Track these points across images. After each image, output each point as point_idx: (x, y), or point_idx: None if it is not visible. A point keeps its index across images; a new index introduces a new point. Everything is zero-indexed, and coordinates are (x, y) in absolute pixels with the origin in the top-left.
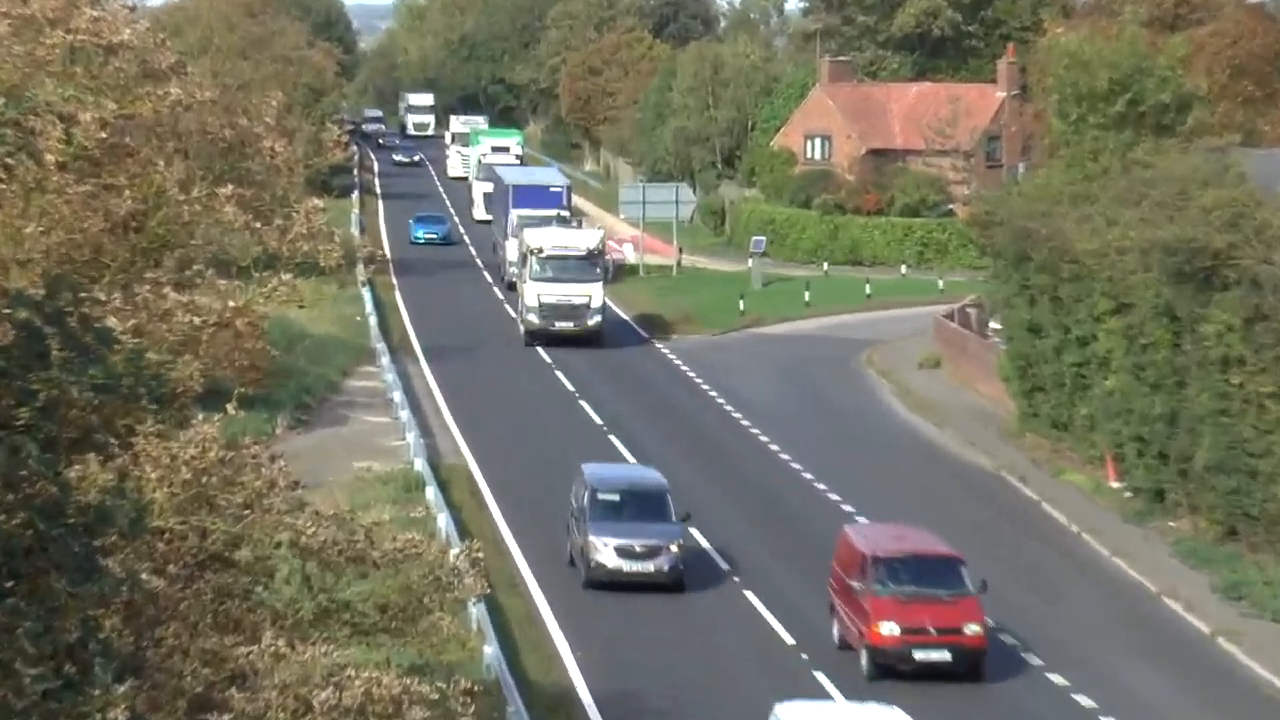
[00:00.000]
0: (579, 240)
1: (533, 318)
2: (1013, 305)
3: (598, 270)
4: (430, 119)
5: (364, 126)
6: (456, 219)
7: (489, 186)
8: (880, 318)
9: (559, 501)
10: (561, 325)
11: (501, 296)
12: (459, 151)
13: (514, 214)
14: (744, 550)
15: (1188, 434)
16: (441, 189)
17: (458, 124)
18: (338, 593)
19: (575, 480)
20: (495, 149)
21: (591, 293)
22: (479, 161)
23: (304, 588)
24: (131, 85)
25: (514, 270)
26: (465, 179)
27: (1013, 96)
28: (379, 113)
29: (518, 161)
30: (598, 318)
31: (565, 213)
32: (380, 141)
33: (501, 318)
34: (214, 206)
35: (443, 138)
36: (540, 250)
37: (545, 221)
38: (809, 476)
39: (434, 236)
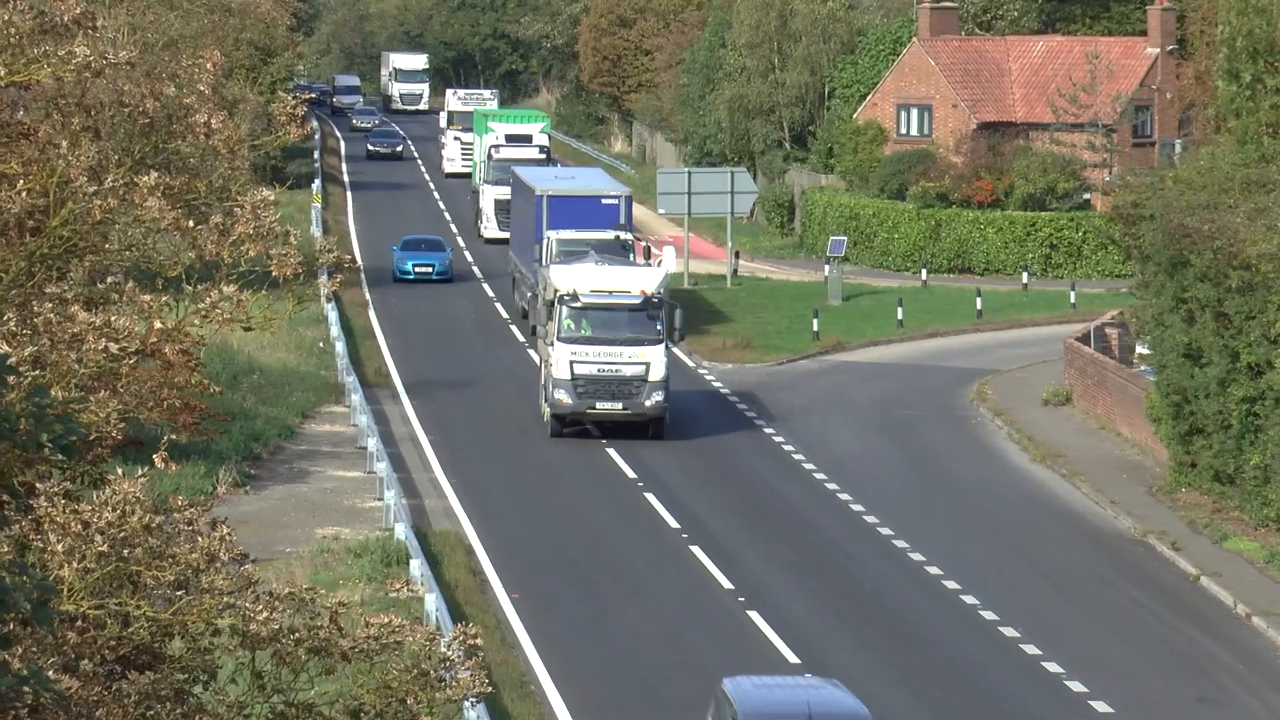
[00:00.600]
0: (631, 281)
1: (563, 395)
2: (1166, 324)
3: (658, 326)
4: (423, 88)
5: (336, 99)
6: (460, 238)
7: (503, 192)
8: (995, 341)
9: (580, 579)
10: (605, 407)
11: (497, 304)
12: (457, 138)
13: (550, 237)
14: (822, 642)
15: None
16: (435, 190)
17: (455, 100)
18: (297, 693)
19: (713, 706)
20: (511, 139)
21: (650, 358)
22: (489, 156)
23: (254, 687)
24: (24, 44)
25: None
26: (467, 178)
27: (1168, 53)
28: (355, 79)
29: (543, 158)
30: (658, 396)
31: (626, 235)
32: (355, 123)
33: (501, 337)
34: (134, 200)
35: (436, 116)
36: (573, 297)
37: (583, 253)
38: (919, 560)
39: (429, 270)
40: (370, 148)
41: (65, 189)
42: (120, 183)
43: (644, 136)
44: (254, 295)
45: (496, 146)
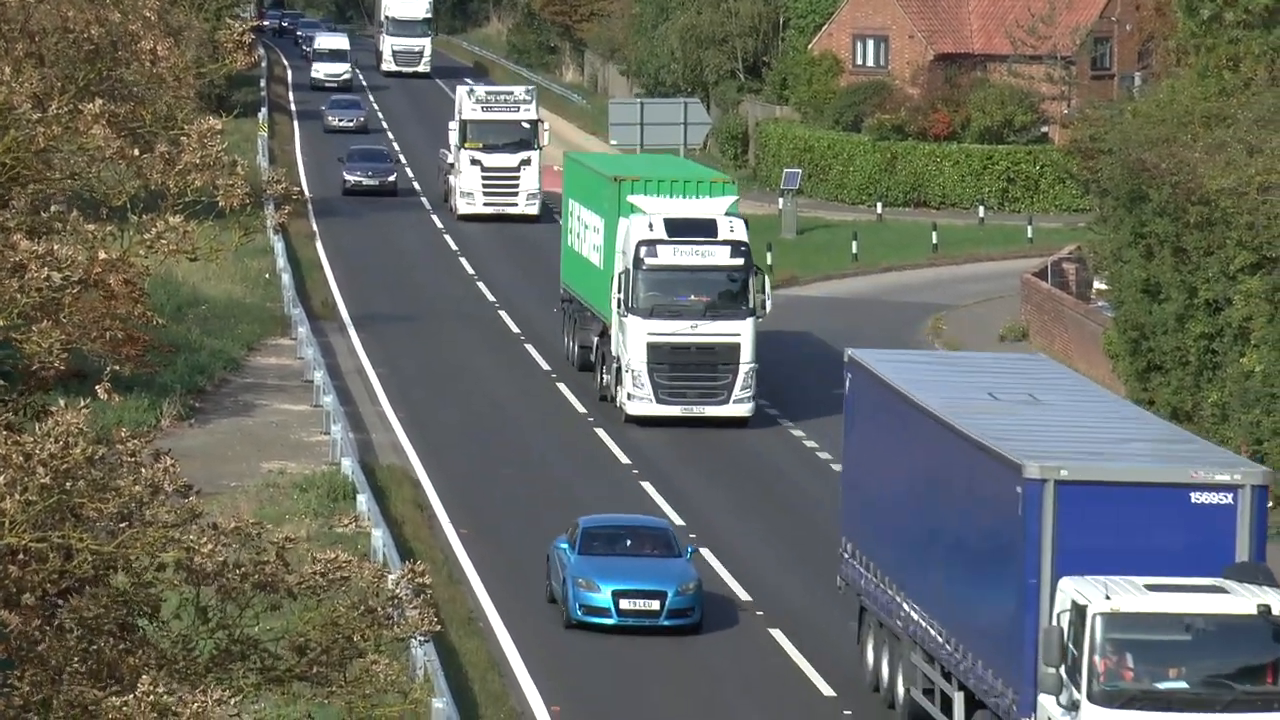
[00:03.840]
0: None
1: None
2: (1124, 260)
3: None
4: (424, 44)
5: (314, 72)
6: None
7: (666, 333)
8: (951, 275)
9: (528, 515)
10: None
11: (446, 235)
12: (477, 161)
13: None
14: (774, 582)
15: None
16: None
17: (471, 103)
18: (242, 629)
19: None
20: (680, 231)
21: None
22: (640, 261)
23: (198, 622)
24: None
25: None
26: (487, 221)
27: None
28: (342, 39)
29: (742, 272)
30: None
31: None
32: (331, 120)
33: (452, 268)
34: (78, 128)
35: (439, 83)
36: (652, 248)
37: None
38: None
39: None
40: (348, 178)
41: (8, 116)
42: (64, 110)
43: (596, 66)
44: (200, 225)
45: (651, 245)
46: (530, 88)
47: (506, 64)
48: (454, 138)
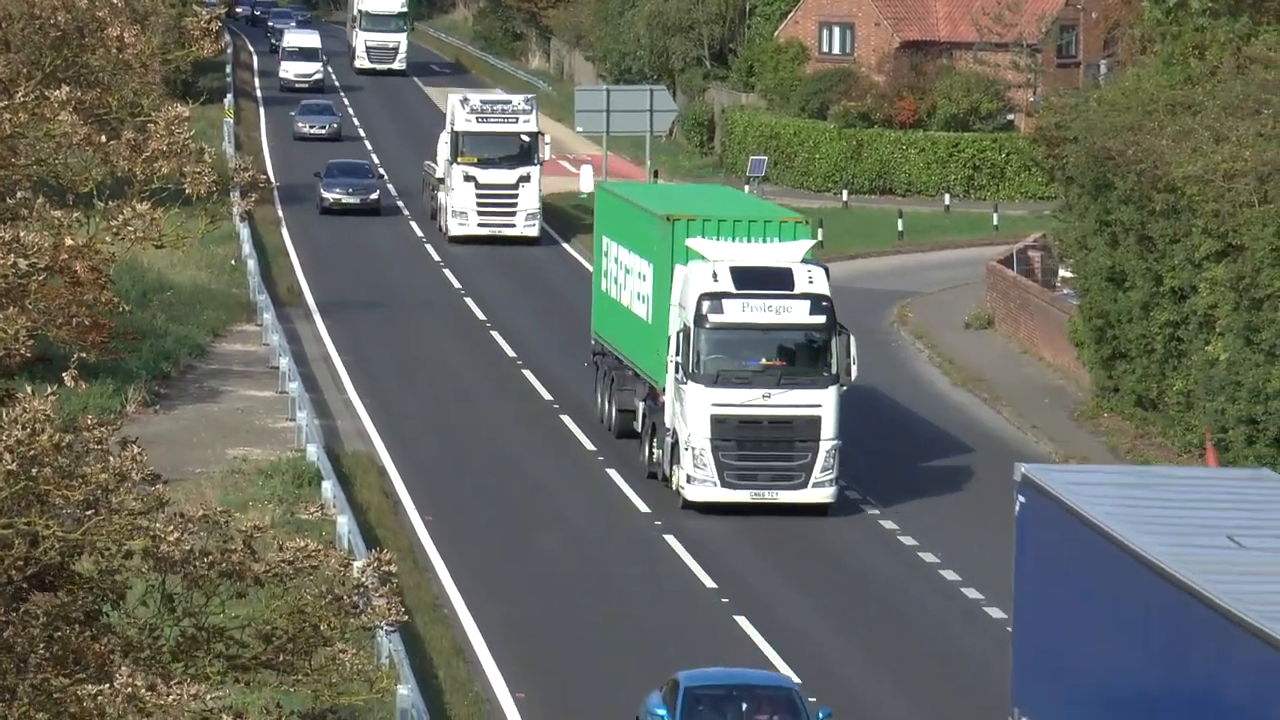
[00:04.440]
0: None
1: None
2: (1089, 247)
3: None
4: (399, 39)
5: (283, 72)
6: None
7: (728, 403)
8: (916, 263)
9: (494, 502)
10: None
11: (421, 234)
12: (471, 178)
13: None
14: (741, 568)
15: None
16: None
17: (464, 113)
18: (208, 617)
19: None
20: (748, 279)
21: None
22: (701, 317)
23: (164, 610)
24: None
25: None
26: (478, 244)
27: None
28: (313, 36)
29: (824, 330)
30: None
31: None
32: (301, 127)
33: (417, 257)
34: (44, 114)
35: (417, 82)
36: (717, 303)
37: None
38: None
39: None
40: (326, 195)
41: None
42: (31, 96)
43: (562, 53)
44: (166, 212)
45: (716, 299)
46: (530, 96)
47: (473, 51)
48: (444, 151)
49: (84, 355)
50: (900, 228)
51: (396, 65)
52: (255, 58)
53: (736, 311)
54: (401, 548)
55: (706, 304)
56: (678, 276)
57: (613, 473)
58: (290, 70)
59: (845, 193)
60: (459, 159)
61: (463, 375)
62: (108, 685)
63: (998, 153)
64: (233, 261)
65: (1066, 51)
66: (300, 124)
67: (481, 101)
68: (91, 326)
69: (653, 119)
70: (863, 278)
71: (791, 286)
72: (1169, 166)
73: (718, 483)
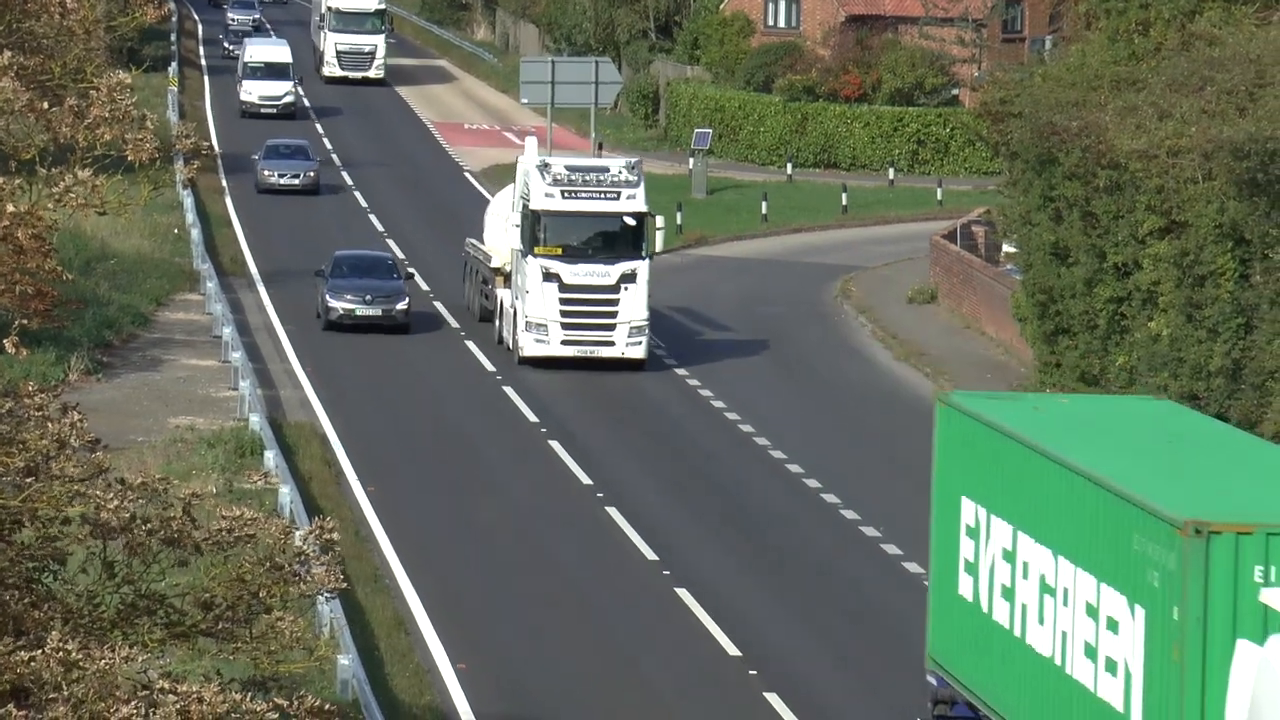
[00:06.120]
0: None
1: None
2: (1032, 223)
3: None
4: (375, 42)
5: (244, 94)
6: None
7: None
8: (860, 237)
9: (436, 471)
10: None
11: (378, 225)
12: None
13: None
14: (679, 539)
15: (1255, 391)
16: None
17: (550, 183)
18: (148, 584)
19: None
20: None
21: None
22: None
23: (104, 577)
24: None
25: None
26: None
27: None
28: (282, 47)
29: None
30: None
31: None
32: (267, 176)
33: (367, 231)
34: None
35: (395, 90)
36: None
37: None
38: (765, 445)
39: None
40: (333, 303)
41: None
42: None
43: (507, 24)
44: (109, 180)
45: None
46: (635, 161)
47: (418, 21)
48: (511, 234)
49: (26, 323)
50: (844, 202)
51: (373, 73)
52: (200, 26)
53: None
54: (343, 517)
55: None
56: (1245, 657)
57: (555, 444)
58: (253, 91)
59: (790, 166)
60: (536, 250)
61: (406, 348)
62: (39, 651)
63: (942, 128)
64: (176, 230)
65: (1012, 27)
66: (266, 171)
67: (568, 169)
68: (35, 294)
69: (598, 91)
70: (806, 251)
71: None
72: (1113, 142)
73: None
